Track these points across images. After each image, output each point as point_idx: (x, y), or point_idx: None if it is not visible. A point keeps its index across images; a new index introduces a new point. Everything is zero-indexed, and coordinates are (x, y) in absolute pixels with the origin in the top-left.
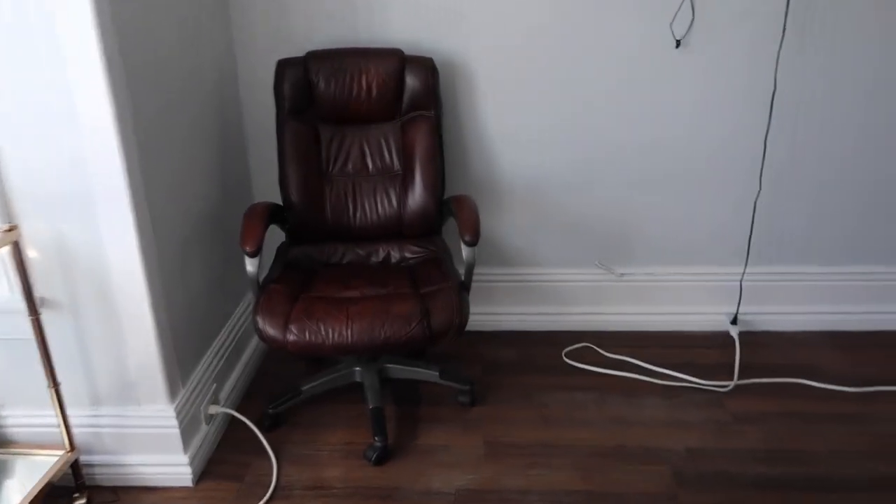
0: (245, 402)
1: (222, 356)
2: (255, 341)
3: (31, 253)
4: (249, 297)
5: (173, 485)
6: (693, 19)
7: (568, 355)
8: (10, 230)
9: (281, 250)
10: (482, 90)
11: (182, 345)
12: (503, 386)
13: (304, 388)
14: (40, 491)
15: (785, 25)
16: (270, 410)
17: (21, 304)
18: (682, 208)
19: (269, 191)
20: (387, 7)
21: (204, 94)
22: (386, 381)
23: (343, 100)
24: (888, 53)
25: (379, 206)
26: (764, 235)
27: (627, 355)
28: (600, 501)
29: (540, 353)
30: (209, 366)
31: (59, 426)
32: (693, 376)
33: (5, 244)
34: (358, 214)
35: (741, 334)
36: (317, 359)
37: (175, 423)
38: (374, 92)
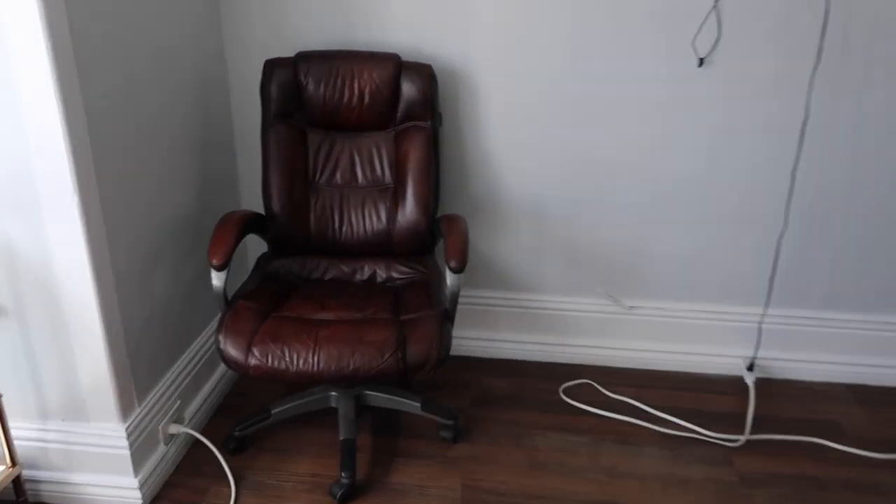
0: (214, 421)
1: (190, 372)
2: None
3: None
4: None
5: None
6: (719, 36)
7: (566, 392)
8: None
9: (261, 261)
10: (485, 102)
11: (141, 360)
12: (492, 421)
13: (274, 410)
14: None
15: (821, 47)
16: (236, 433)
17: None
18: (698, 240)
19: (258, 200)
20: (387, 8)
21: (183, 96)
22: (364, 407)
23: (333, 105)
24: None
25: (367, 220)
26: (787, 276)
27: (630, 396)
28: None
29: (535, 386)
30: (173, 382)
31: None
32: (700, 426)
33: None
34: (344, 228)
35: (757, 381)
36: None
37: (125, 443)
38: (367, 98)
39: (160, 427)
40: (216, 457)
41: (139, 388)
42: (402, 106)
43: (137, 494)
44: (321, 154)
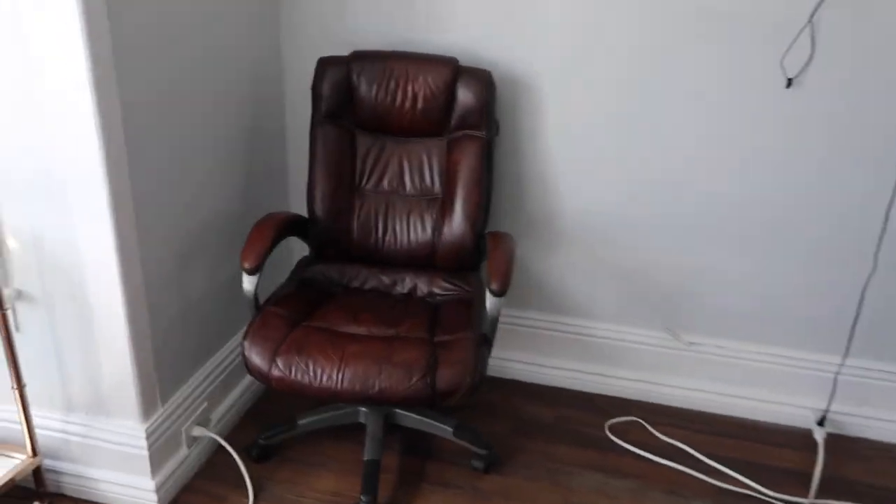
0: (240, 427)
1: (220, 375)
2: None
3: (10, 243)
4: None
5: None
6: (812, 54)
7: (611, 428)
8: None
9: (300, 265)
10: (546, 113)
11: (167, 359)
12: (529, 452)
13: (301, 421)
14: None
15: None
16: (261, 441)
17: None
18: (771, 277)
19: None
20: (450, 8)
21: (235, 95)
22: (394, 426)
23: (385, 108)
24: None
25: (411, 230)
26: (872, 324)
27: (682, 440)
28: None
29: (580, 418)
30: (201, 384)
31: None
32: (758, 482)
33: None
34: (387, 237)
35: (827, 438)
36: None
37: (144, 444)
38: (421, 103)
39: (183, 429)
40: (237, 464)
41: (164, 388)
42: (456, 113)
43: (154, 497)
44: (370, 158)
